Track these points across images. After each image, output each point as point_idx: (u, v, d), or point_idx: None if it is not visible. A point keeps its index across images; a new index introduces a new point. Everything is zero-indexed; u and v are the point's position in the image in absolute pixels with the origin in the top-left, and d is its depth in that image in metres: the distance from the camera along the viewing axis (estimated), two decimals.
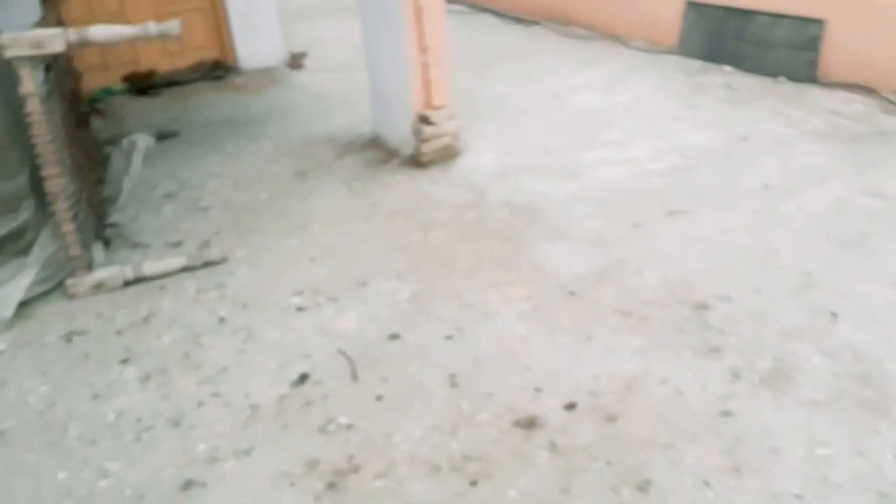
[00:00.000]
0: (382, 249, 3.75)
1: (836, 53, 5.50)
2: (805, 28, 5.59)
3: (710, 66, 6.22)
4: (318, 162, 4.92)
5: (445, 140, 4.82)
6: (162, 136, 5.41)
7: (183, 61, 6.80)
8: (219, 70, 6.85)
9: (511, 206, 4.14)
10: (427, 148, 4.75)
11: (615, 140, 4.94)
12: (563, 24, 7.75)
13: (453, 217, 4.06)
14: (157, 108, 6.21)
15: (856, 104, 5.21)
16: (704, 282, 3.29)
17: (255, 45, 6.95)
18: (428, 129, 4.71)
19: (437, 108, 4.76)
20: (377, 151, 5.05)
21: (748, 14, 5.96)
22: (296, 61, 7.10)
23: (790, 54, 5.69)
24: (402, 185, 4.50)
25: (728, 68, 6.10)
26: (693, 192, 4.14)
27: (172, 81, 6.64)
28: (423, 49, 4.59)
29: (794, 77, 5.68)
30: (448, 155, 4.85)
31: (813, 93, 5.46)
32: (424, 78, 4.69)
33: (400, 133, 4.93)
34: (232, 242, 3.90)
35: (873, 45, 5.29)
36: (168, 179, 4.75)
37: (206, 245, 3.89)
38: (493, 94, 6.06)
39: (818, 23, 5.50)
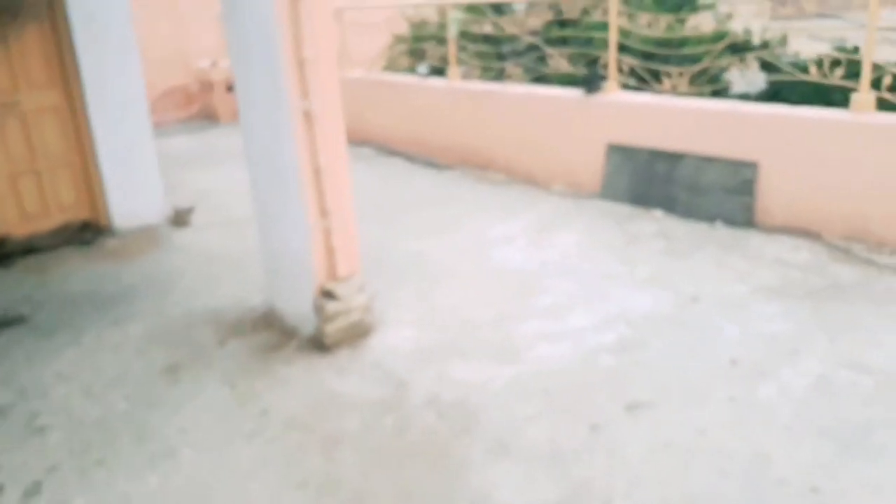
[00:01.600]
0: (271, 485, 2.88)
1: (772, 197, 5.20)
2: (738, 171, 5.30)
3: (639, 211, 5.85)
4: (195, 351, 4.07)
5: (354, 316, 4.09)
6: (2, 324, 4.45)
7: (45, 224, 5.92)
8: (88, 233, 5.99)
9: (439, 404, 3.39)
10: (332, 328, 4.00)
11: (550, 307, 4.34)
12: (479, 168, 7.37)
13: (366, 426, 3.26)
14: (8, 283, 5.24)
15: (802, 251, 4.84)
16: None
17: (132, 202, 6.16)
18: (332, 306, 3.97)
19: (343, 280, 4.06)
20: (271, 332, 4.26)
21: (676, 157, 5.67)
22: (181, 218, 6.33)
23: (725, 198, 5.37)
24: (300, 380, 3.69)
25: (658, 213, 5.74)
26: (652, 376, 3.51)
27: (30, 249, 5.71)
28: (323, 213, 3.94)
29: (730, 222, 5.33)
30: (358, 333, 4.11)
31: (754, 239, 5.10)
32: (326, 246, 4.00)
33: (298, 308, 4.18)
34: (70, 484, 2.95)
35: (810, 189, 5.02)
36: (1, 388, 3.77)
37: (34, 491, 2.93)
38: (408, 249, 5.44)
39: (751, 166, 5.23)
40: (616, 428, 3.13)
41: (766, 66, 6.56)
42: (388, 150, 8.43)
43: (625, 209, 5.93)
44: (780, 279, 4.48)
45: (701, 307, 4.20)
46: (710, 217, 5.45)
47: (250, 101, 4.10)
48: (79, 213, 6.08)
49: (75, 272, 5.41)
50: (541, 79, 7.21)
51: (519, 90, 6.90)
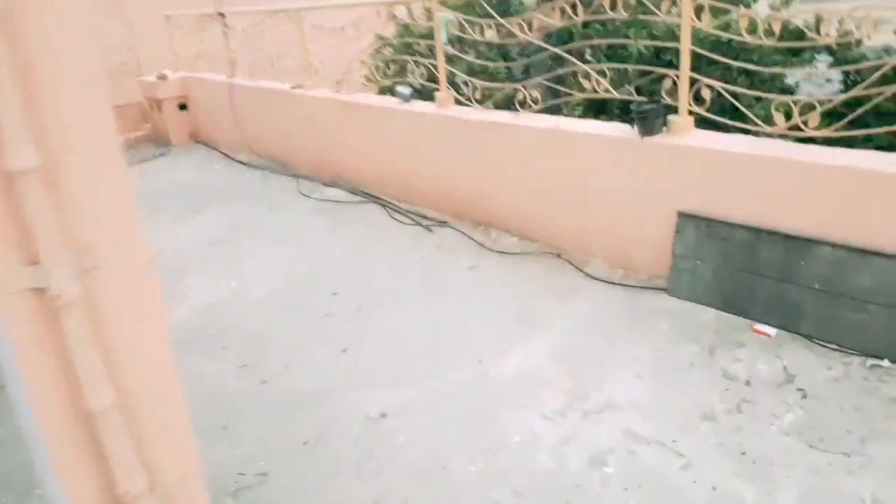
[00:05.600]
0: None
1: None
2: None
3: (736, 324, 3.48)
4: None
5: None
6: None
7: None
8: None
9: None
10: None
11: None
12: (483, 224, 5.01)
13: None
14: None
15: None
16: None
17: None
18: None
19: None
20: None
21: (802, 242, 3.30)
22: None
23: (892, 315, 3.02)
24: None
25: (769, 329, 3.38)
26: None
27: None
28: None
29: None
30: None
31: None
32: None
33: None
34: None
35: None
36: None
37: None
38: (364, 414, 3.12)
39: None
40: None
41: (841, 62, 4.71)
42: (364, 192, 6.04)
43: (711, 319, 3.56)
44: None
45: None
46: (867, 348, 3.09)
47: None
48: None
49: None
50: (565, 106, 4.80)
51: (540, 124, 4.48)
